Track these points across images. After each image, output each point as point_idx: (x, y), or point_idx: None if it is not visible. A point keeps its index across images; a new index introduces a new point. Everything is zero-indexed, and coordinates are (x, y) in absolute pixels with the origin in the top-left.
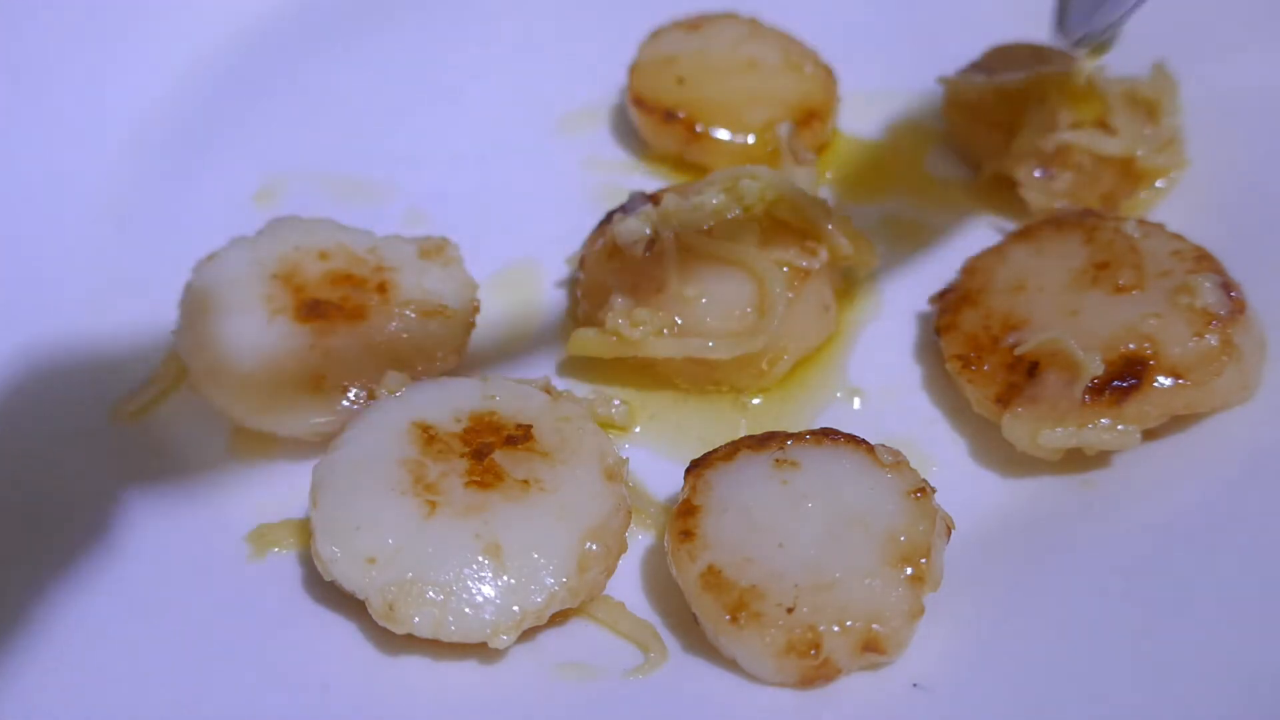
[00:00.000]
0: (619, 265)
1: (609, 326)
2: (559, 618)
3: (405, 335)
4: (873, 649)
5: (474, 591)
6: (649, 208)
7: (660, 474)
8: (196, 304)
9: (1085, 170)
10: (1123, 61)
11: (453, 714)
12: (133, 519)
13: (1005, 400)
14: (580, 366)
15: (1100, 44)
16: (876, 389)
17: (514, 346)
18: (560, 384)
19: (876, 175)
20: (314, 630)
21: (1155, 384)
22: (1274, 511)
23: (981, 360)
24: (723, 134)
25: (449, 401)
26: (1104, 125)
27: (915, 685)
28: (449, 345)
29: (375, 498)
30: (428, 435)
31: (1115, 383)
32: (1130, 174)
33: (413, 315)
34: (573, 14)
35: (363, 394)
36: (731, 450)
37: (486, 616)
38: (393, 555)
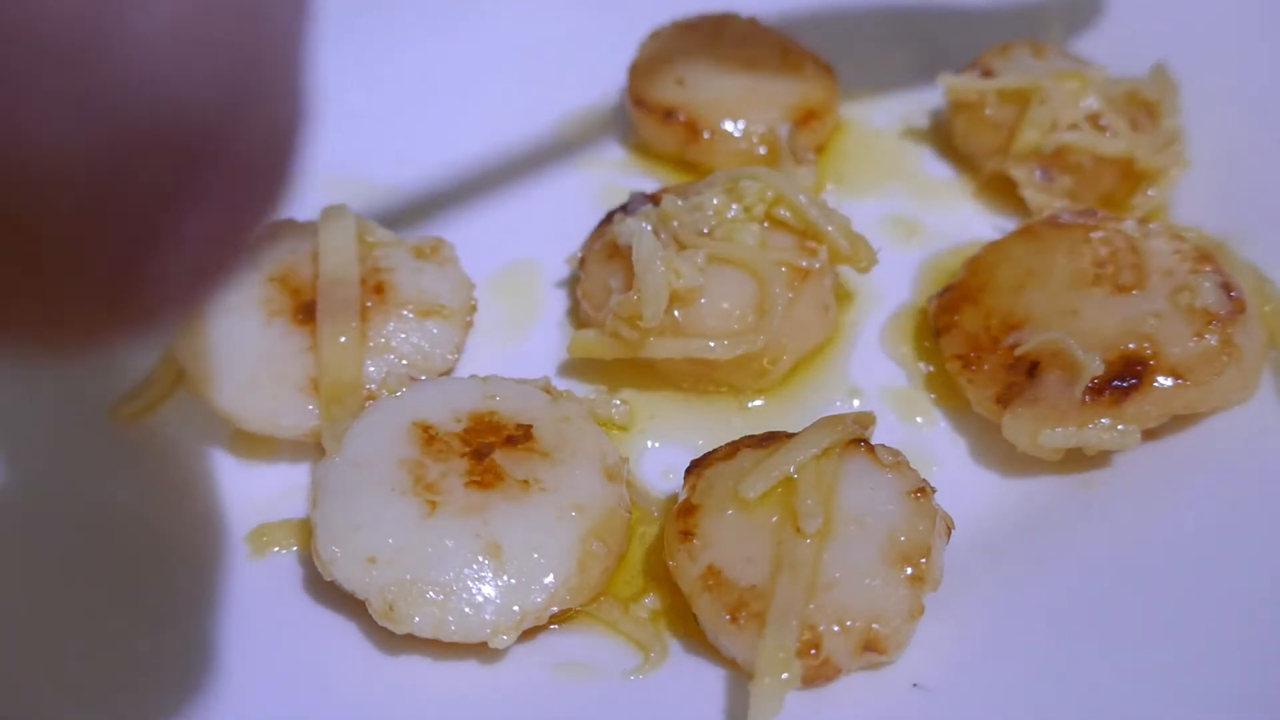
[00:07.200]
0: (619, 265)
1: (609, 327)
2: (559, 618)
3: (403, 335)
4: (873, 649)
5: (474, 591)
6: (649, 208)
7: (660, 474)
8: None
9: (1085, 170)
10: (1123, 61)
11: (453, 714)
12: (133, 519)
13: (1005, 400)
14: (580, 366)
15: None
16: (876, 389)
17: (514, 346)
18: (560, 384)
19: (876, 175)
20: (314, 630)
21: (1155, 384)
22: (1274, 511)
23: (981, 360)
24: (723, 134)
25: (449, 401)
26: (1103, 125)
27: (915, 685)
28: (447, 345)
29: (375, 498)
30: (428, 435)
31: (1115, 383)
32: (1130, 174)
33: (410, 315)
34: (573, 14)
35: (362, 394)
36: (731, 450)
37: (486, 616)
38: (393, 555)
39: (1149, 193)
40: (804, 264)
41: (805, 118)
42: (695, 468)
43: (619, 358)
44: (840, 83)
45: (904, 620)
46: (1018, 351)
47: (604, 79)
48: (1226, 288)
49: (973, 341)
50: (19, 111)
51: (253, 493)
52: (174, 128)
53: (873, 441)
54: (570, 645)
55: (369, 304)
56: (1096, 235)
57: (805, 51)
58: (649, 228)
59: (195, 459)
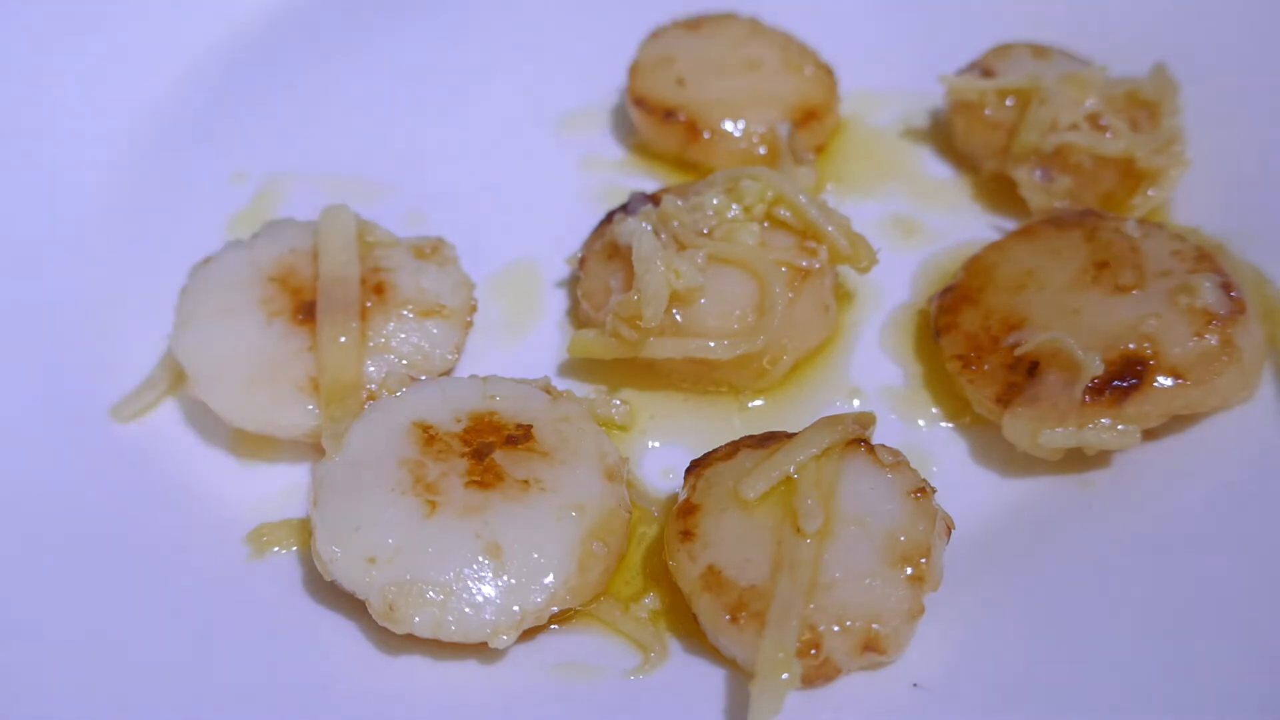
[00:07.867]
0: (619, 265)
1: (609, 327)
2: (559, 618)
3: (403, 335)
4: (873, 649)
5: (474, 591)
6: (649, 208)
7: (660, 474)
8: (193, 307)
9: (1085, 170)
10: (1123, 61)
11: (453, 714)
12: (133, 519)
13: (1005, 400)
14: (580, 366)
15: None
16: (876, 389)
17: (514, 346)
18: (560, 384)
19: (876, 175)
20: (314, 630)
21: (1155, 384)
22: (1274, 511)
23: (981, 360)
24: (723, 134)
25: (449, 401)
26: (1103, 125)
27: (915, 685)
28: (448, 345)
29: (376, 497)
30: (428, 435)
31: (1115, 383)
32: (1130, 174)
33: (411, 315)
34: (573, 14)
35: (363, 394)
36: (731, 450)
37: (486, 616)
38: (393, 555)
39: (1149, 193)
40: (804, 264)
41: (805, 118)
42: (695, 468)
43: (619, 358)
44: (840, 83)
45: (904, 620)
46: (1018, 352)
47: (604, 79)
48: (1226, 288)
49: (973, 342)
50: None
51: (253, 493)
52: None
53: (873, 441)
54: (570, 645)
55: (369, 304)
56: (1096, 235)
57: (805, 51)
58: (649, 228)
59: (195, 459)
